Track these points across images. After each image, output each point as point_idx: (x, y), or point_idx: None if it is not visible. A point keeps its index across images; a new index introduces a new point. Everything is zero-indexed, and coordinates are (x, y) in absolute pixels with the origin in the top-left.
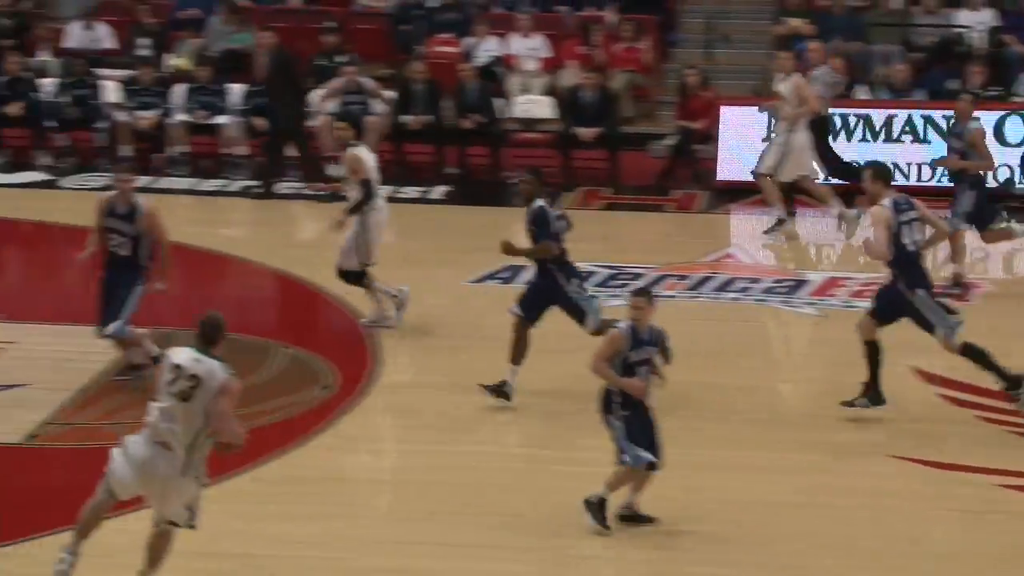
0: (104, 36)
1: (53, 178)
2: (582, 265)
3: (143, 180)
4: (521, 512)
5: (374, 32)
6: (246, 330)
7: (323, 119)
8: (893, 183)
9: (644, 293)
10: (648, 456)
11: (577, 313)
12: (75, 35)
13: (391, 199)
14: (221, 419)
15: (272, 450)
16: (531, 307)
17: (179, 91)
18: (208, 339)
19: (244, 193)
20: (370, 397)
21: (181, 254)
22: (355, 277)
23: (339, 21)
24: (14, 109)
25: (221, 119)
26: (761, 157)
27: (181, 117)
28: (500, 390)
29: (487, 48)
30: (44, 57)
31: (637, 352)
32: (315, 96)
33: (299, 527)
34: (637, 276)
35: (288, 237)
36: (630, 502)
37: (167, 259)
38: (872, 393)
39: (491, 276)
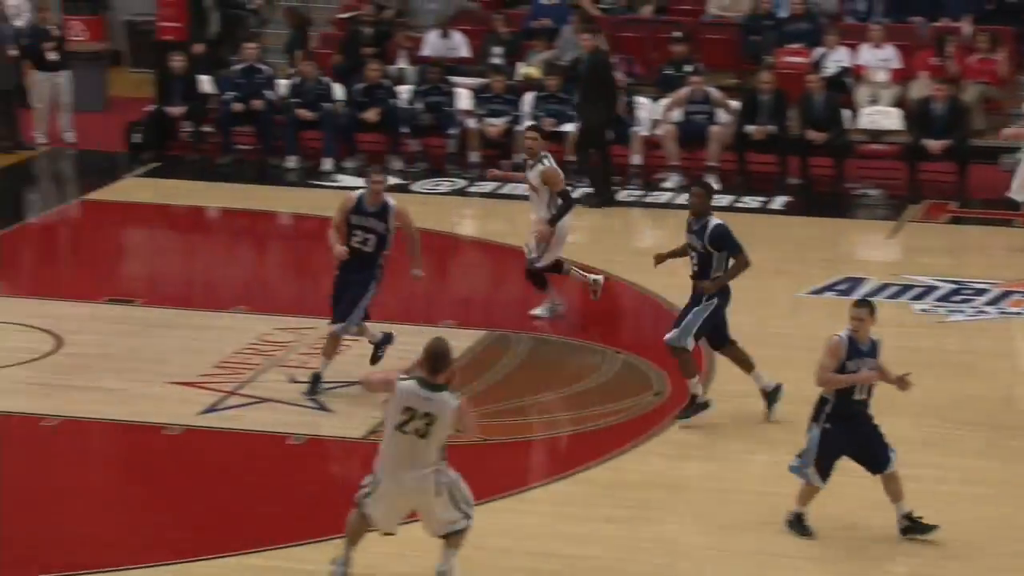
0: (459, 44)
1: (405, 182)
2: (923, 279)
3: (488, 186)
4: (852, 524)
5: (723, 42)
6: (580, 335)
7: (667, 128)
8: None
9: (866, 304)
10: (819, 481)
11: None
12: (432, 43)
13: (730, 209)
14: (468, 430)
15: (602, 454)
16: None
17: (528, 99)
18: (435, 369)
19: (583, 200)
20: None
21: (518, 259)
22: (548, 271)
23: (688, 30)
24: (371, 115)
25: (568, 127)
26: None
27: (529, 125)
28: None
29: (836, 58)
30: (402, 65)
31: (855, 362)
32: (662, 105)
33: (625, 531)
34: (980, 291)
35: (625, 243)
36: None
37: (419, 250)
38: None
39: (828, 288)
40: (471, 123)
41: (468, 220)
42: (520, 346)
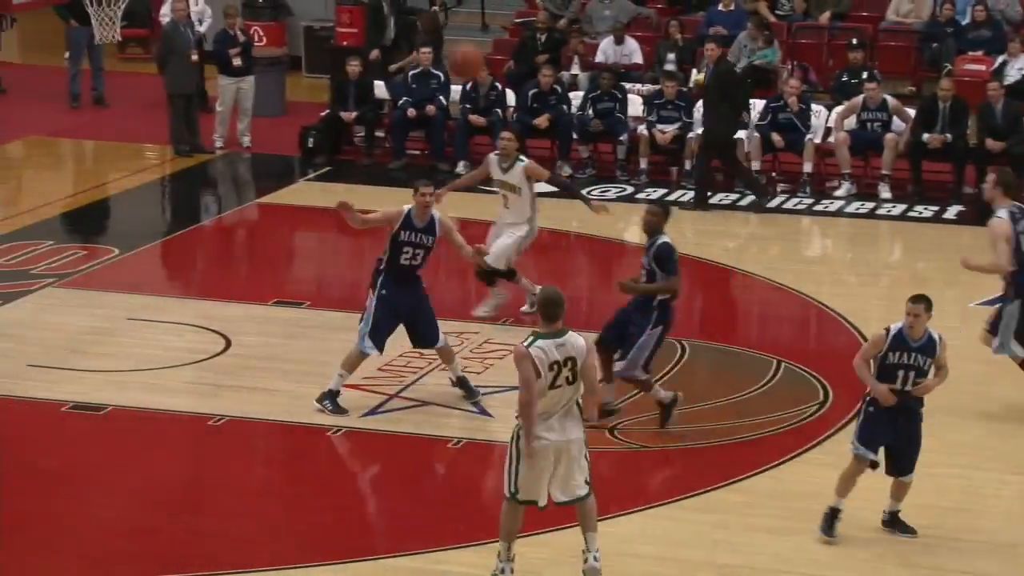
0: (633, 51)
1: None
2: None
3: (657, 192)
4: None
5: (901, 49)
6: (747, 343)
7: (841, 136)
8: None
9: (922, 299)
10: (869, 454)
11: None
12: (606, 50)
13: (903, 218)
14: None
15: (763, 463)
16: None
17: (700, 106)
18: (553, 316)
19: (751, 207)
20: None
21: (685, 266)
22: (500, 275)
23: (866, 37)
24: (542, 121)
25: (739, 134)
26: None
27: (700, 131)
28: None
29: (1019, 66)
30: (575, 71)
31: (896, 354)
32: (833, 114)
33: (786, 541)
34: None
35: (793, 251)
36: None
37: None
38: None
39: (1000, 299)
40: (642, 129)
41: (636, 227)
42: (682, 354)
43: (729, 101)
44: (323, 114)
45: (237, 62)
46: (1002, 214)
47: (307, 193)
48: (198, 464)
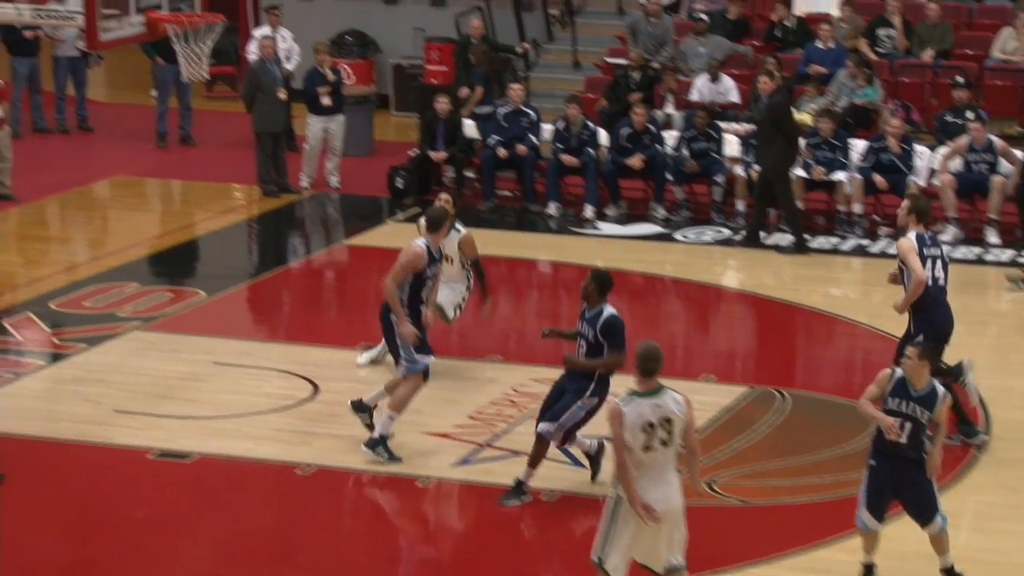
0: (729, 89)
1: (667, 231)
2: None
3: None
4: None
5: (1007, 88)
6: (850, 394)
7: (946, 178)
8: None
9: (918, 345)
10: (866, 519)
11: None
12: (701, 88)
13: (1013, 263)
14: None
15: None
16: None
17: (800, 145)
18: (651, 372)
19: (856, 251)
20: (976, 471)
21: (787, 312)
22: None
23: (971, 76)
24: (636, 161)
25: (839, 175)
26: None
27: (798, 173)
28: None
29: None
30: (669, 110)
31: (896, 401)
32: (938, 155)
33: None
34: None
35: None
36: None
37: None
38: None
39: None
40: (738, 170)
41: (732, 271)
42: (784, 403)
43: (783, 135)
44: (412, 153)
45: (326, 100)
46: (910, 235)
47: (396, 234)
48: (286, 514)
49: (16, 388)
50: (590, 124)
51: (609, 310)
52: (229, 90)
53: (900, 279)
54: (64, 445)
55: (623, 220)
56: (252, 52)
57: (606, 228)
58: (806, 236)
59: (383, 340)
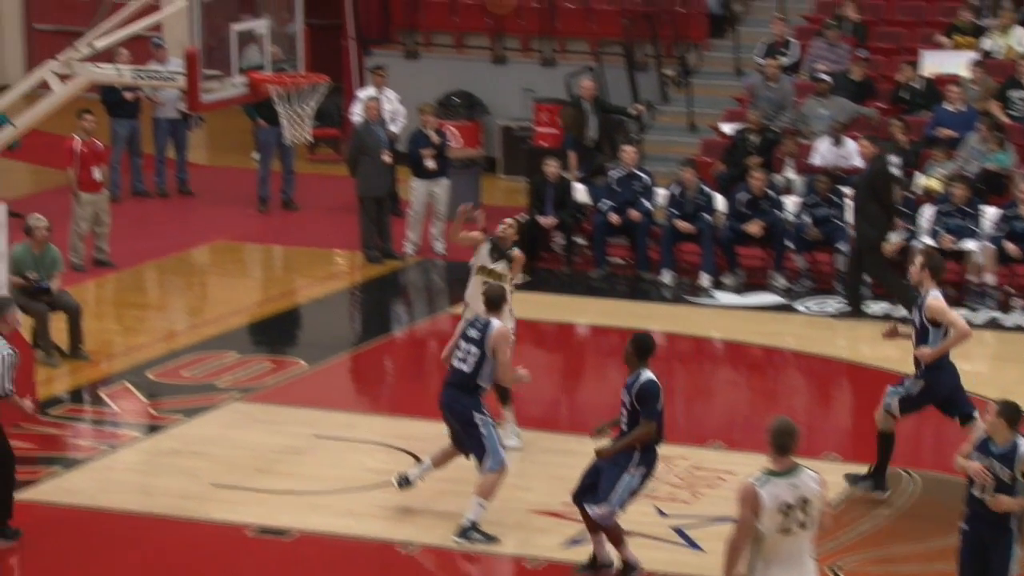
0: (852, 153)
1: (788, 301)
2: None
3: (881, 307)
4: None
5: None
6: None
7: None
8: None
9: (999, 403)
10: None
11: None
12: (823, 152)
13: None
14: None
15: None
16: None
17: (927, 213)
18: (786, 450)
19: (989, 325)
20: None
21: None
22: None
23: None
24: (754, 228)
25: (970, 244)
26: None
27: (926, 240)
28: None
29: None
30: (789, 175)
31: (977, 456)
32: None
33: None
34: None
35: None
36: None
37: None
38: None
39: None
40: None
41: (856, 344)
42: (912, 483)
43: (879, 202)
44: (520, 219)
45: (430, 163)
46: (936, 293)
47: None
48: None
49: (112, 460)
50: (706, 189)
51: (647, 375)
52: (332, 153)
53: (907, 335)
54: (160, 520)
55: (741, 289)
56: (356, 113)
57: (723, 298)
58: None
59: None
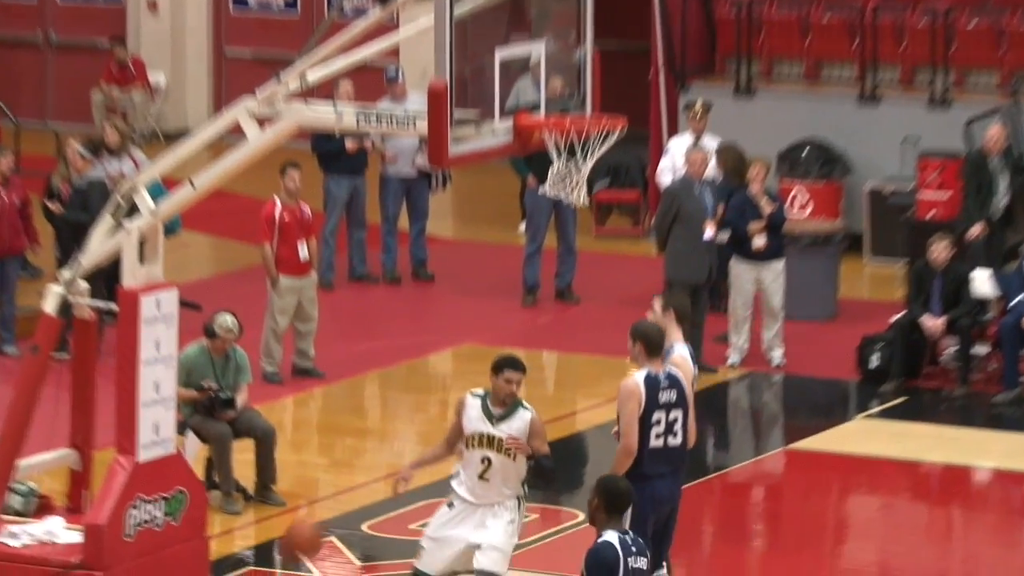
0: None
1: None
2: None
3: None
4: None
5: None
6: None
7: None
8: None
9: None
10: None
11: None
12: None
13: None
14: None
15: None
16: None
17: None
18: None
19: None
20: None
21: None
22: None
23: None
24: None
25: None
26: None
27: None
28: None
29: None
30: None
31: None
32: None
33: None
34: None
35: None
36: None
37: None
38: None
39: None
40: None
41: None
42: None
43: None
44: (895, 319)
45: (758, 242)
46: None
47: (866, 436)
48: None
49: None
50: None
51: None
52: (629, 225)
53: None
54: None
55: None
56: (666, 170)
57: None
58: None
59: None
